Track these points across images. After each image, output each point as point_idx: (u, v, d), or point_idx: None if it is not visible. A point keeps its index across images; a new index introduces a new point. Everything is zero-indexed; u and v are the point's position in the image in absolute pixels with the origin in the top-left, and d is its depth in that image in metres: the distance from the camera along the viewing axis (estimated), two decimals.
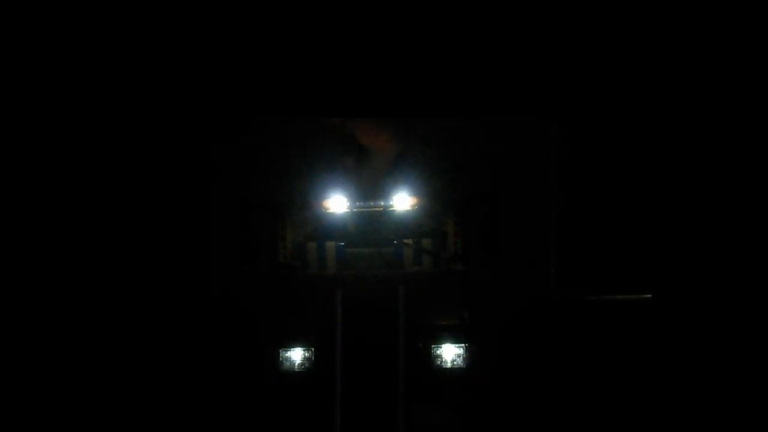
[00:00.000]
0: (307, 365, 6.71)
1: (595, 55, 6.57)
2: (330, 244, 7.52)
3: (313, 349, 6.72)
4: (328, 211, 7.54)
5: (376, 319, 6.67)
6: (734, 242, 6.63)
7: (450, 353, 6.74)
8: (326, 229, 7.62)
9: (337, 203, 7.51)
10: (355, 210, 7.55)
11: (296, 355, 6.73)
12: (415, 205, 7.56)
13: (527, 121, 7.20)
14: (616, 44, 6.52)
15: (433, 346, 6.74)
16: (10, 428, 6.33)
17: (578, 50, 6.56)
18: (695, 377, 6.59)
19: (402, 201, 7.53)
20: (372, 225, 7.68)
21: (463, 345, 6.74)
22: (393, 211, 7.56)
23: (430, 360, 6.73)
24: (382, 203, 7.54)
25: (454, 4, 6.47)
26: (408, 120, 7.60)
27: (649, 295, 6.90)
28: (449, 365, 6.73)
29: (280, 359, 6.71)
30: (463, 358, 6.73)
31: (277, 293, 7.08)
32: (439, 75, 6.62)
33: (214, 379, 6.67)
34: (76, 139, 6.64)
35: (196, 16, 6.36)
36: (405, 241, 7.55)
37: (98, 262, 6.73)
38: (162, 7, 6.33)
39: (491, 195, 7.34)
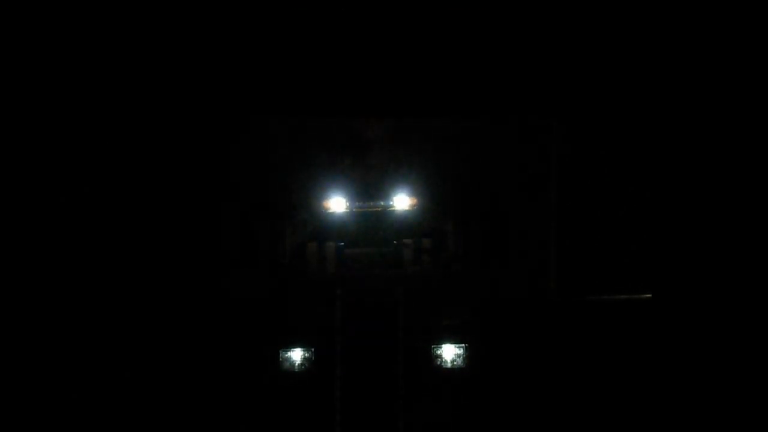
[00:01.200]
0: (306, 365, 6.71)
1: (596, 55, 6.57)
2: (330, 244, 7.51)
3: (312, 349, 6.72)
4: (328, 211, 7.54)
5: (376, 319, 6.67)
6: (734, 242, 6.63)
7: (450, 353, 6.74)
8: (326, 229, 7.62)
9: (337, 203, 7.51)
10: (355, 210, 7.54)
11: (296, 355, 6.73)
12: (415, 205, 7.56)
13: (527, 121, 7.21)
14: (616, 45, 6.52)
15: (433, 346, 6.74)
16: (10, 428, 6.33)
17: (579, 51, 6.56)
18: (695, 377, 6.59)
19: (402, 201, 7.53)
20: (372, 225, 7.67)
21: (463, 345, 6.73)
22: (393, 211, 7.55)
23: (430, 360, 6.73)
24: (382, 203, 7.54)
25: (454, 4, 6.47)
26: (408, 120, 7.60)
27: (649, 295, 6.90)
28: (449, 365, 6.73)
29: (280, 359, 6.71)
30: (463, 358, 6.73)
31: (277, 293, 7.08)
32: (439, 75, 6.62)
33: (214, 379, 6.68)
34: (76, 140, 6.65)
35: (197, 17, 6.36)
36: (405, 241, 7.55)
37: (97, 262, 6.73)
38: (163, 9, 6.33)
39: (491, 195, 7.34)
